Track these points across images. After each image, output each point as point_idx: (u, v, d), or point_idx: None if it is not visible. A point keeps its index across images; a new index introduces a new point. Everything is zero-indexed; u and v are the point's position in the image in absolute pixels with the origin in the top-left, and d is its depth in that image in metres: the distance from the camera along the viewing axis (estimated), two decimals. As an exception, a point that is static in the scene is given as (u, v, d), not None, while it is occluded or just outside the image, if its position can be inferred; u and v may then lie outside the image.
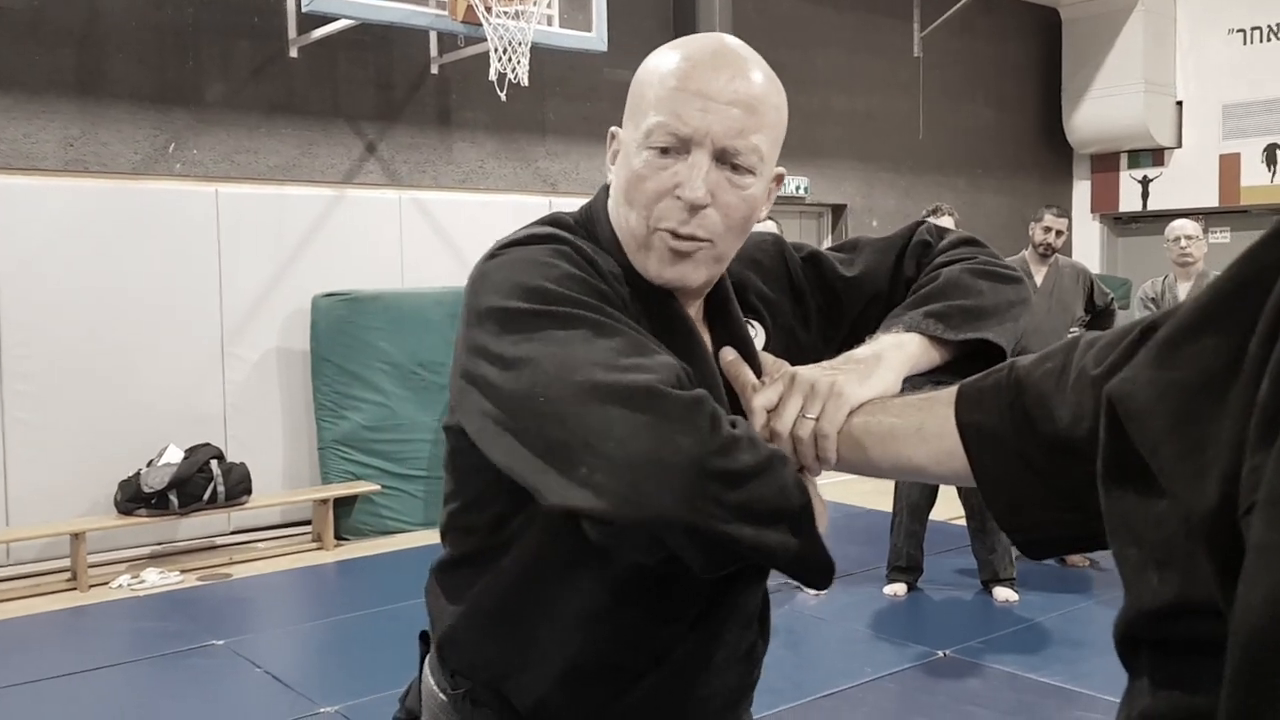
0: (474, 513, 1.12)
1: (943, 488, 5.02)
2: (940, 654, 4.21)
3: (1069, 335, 2.04)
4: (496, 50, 5.76)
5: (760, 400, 1.02)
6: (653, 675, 1.09)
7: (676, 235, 1.04)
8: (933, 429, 0.96)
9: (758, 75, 1.07)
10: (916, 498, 4.94)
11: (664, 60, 1.06)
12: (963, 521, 5.13)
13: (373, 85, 6.92)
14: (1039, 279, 5.31)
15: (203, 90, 6.25)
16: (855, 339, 1.14)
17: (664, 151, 1.03)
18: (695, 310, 1.13)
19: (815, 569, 0.94)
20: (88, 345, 5.72)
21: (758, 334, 1.18)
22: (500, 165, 7.48)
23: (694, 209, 1.03)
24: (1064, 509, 0.86)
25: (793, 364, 1.09)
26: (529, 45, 5.83)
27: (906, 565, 5.01)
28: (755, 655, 1.21)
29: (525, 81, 5.84)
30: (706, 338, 1.13)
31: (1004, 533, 0.97)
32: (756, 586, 1.19)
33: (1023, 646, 4.28)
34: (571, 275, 1.00)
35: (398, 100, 7.02)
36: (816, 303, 1.25)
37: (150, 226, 5.95)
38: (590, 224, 1.13)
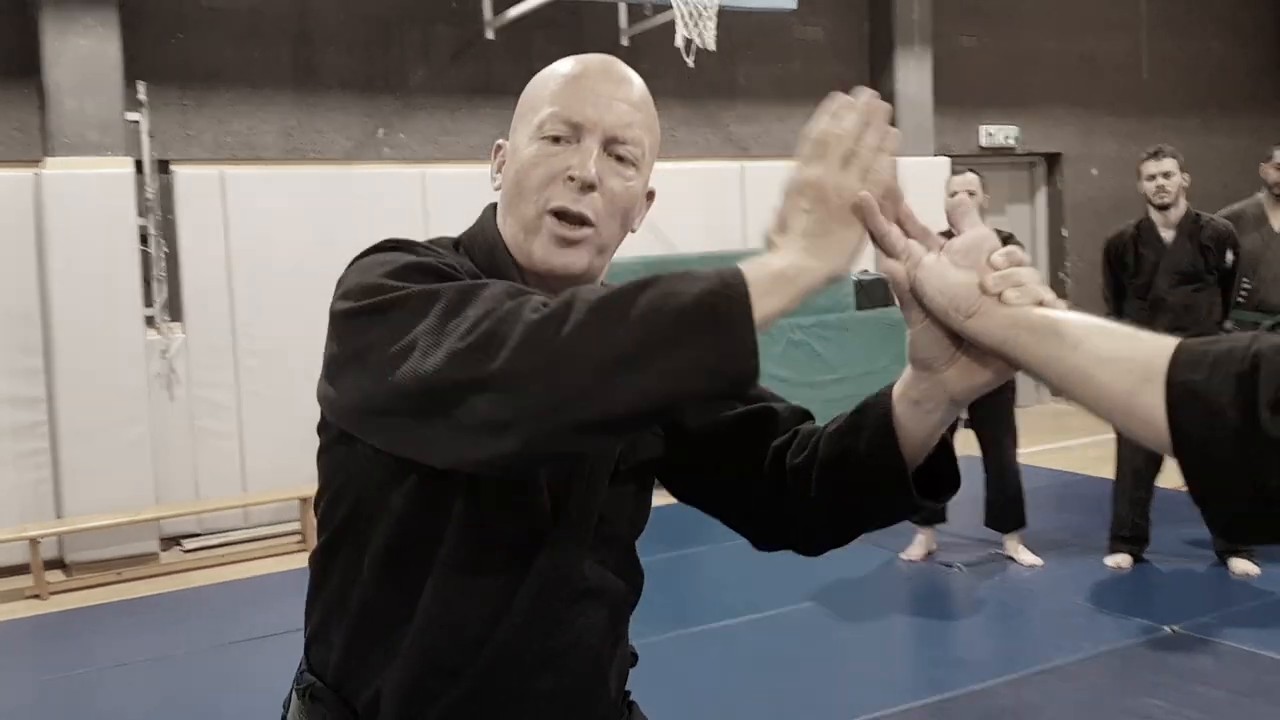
0: (335, 507, 1.16)
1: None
2: (1168, 630, 3.93)
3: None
4: (682, 16, 5.73)
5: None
6: (471, 673, 1.11)
7: (565, 217, 1.09)
8: (1126, 361, 0.86)
9: (641, 87, 1.16)
10: (1140, 462, 4.61)
11: (558, 68, 1.16)
12: (1194, 488, 4.75)
13: (566, 60, 7.02)
14: (1276, 224, 4.84)
15: (407, 77, 6.51)
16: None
17: (555, 140, 1.10)
18: None
19: (739, 365, 0.89)
20: (312, 322, 6.08)
21: None
22: (691, 132, 7.45)
23: (585, 187, 1.09)
24: (1274, 498, 0.77)
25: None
26: (715, 9, 5.76)
27: (1131, 535, 4.68)
28: (591, 664, 1.18)
29: (711, 46, 5.79)
30: None
31: (1200, 507, 0.86)
32: (598, 601, 1.16)
33: (1263, 622, 3.93)
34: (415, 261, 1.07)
35: (590, 74, 7.10)
36: None
37: (363, 208, 6.25)
38: (469, 238, 1.19)
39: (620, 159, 1.11)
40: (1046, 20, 8.87)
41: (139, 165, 5.78)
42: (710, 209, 7.46)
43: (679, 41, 5.78)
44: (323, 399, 1.08)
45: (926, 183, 8.00)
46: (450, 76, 6.57)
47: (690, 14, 5.73)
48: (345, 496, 1.14)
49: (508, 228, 1.14)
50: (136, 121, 5.77)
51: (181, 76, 6.02)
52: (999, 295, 0.93)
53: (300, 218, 6.10)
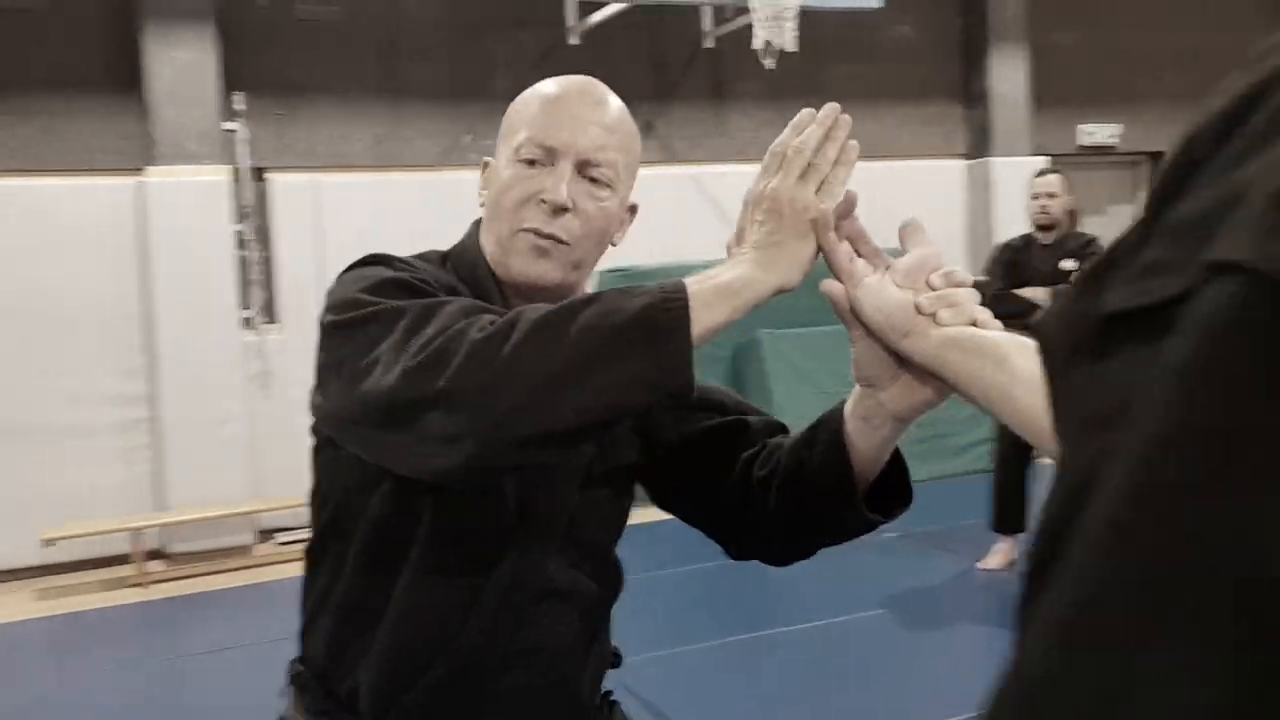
0: (322, 507, 1.21)
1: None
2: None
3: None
4: (762, 18, 5.71)
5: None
6: (440, 669, 1.13)
7: (539, 234, 1.13)
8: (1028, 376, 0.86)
9: (617, 108, 1.20)
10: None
11: (536, 91, 1.21)
12: None
13: (649, 65, 7.06)
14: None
15: (492, 83, 6.63)
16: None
17: (531, 163, 1.14)
18: None
19: (676, 379, 0.92)
20: (398, 325, 6.25)
21: None
22: (776, 134, 7.32)
23: (557, 210, 1.12)
24: None
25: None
26: (795, 10, 5.73)
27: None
28: (560, 663, 1.20)
29: (791, 47, 5.75)
30: None
31: None
32: (569, 606, 1.18)
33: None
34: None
35: (672, 77, 7.12)
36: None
37: (451, 212, 6.36)
38: (456, 253, 1.24)
39: (594, 180, 1.14)
40: (1149, 14, 8.57)
41: (236, 173, 6.02)
42: (796, 211, 7.41)
43: (757, 44, 5.76)
44: (312, 406, 1.13)
45: (1023, 184, 7.82)
46: (534, 82, 6.65)
47: (769, 16, 5.70)
48: (331, 497, 1.19)
49: (488, 244, 1.19)
50: (234, 131, 6.01)
51: (276, 87, 6.24)
52: (934, 315, 0.94)
53: (391, 222, 6.26)
